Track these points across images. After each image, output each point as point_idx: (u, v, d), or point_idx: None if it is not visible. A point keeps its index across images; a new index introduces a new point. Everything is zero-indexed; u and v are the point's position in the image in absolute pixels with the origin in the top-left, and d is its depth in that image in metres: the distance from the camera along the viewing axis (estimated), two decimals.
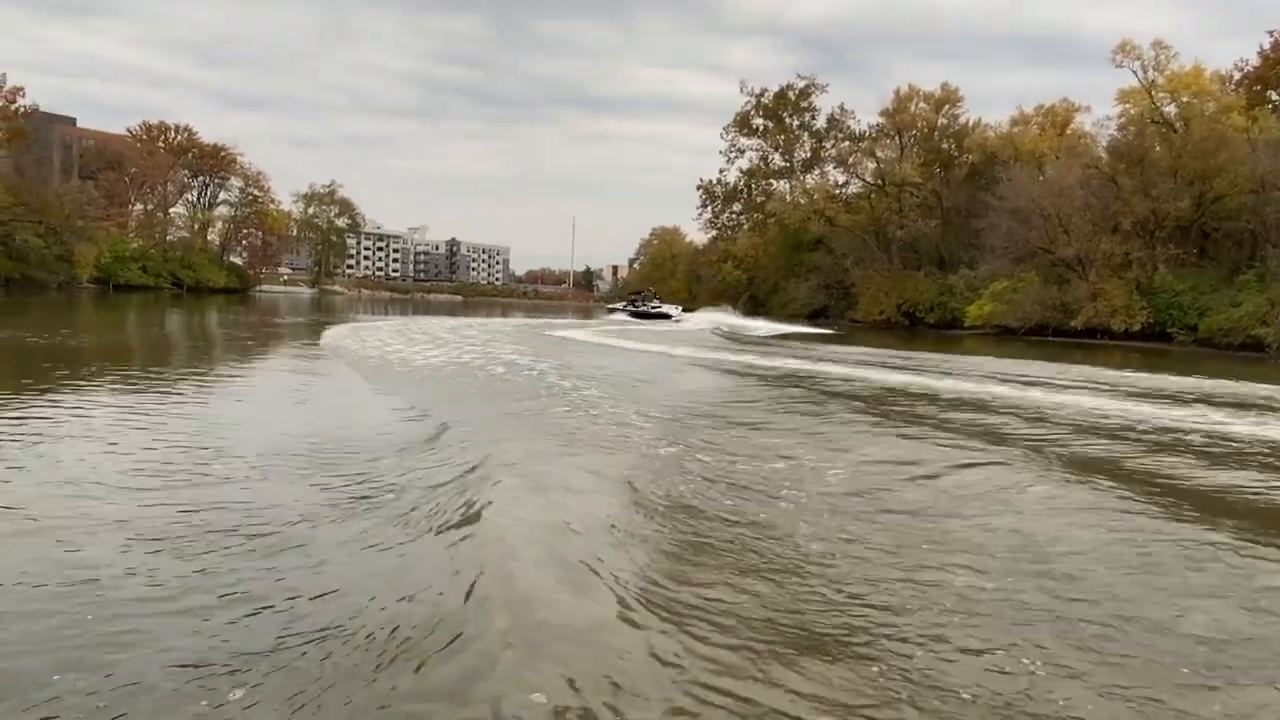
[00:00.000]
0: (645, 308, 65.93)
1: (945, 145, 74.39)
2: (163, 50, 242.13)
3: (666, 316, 62.97)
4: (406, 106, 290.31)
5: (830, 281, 77.88)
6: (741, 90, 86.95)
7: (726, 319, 62.88)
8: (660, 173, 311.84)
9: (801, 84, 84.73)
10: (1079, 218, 53.82)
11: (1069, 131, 68.09)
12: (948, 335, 56.44)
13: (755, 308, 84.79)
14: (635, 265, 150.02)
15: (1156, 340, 48.56)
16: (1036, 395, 16.76)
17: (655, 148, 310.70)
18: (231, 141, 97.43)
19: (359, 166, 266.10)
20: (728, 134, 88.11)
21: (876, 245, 75.22)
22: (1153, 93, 56.49)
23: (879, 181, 76.47)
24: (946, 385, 18.51)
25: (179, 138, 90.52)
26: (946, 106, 74.19)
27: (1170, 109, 56.69)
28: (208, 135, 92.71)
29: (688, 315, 67.12)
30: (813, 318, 73.71)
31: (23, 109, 67.06)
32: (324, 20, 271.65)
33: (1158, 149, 54.65)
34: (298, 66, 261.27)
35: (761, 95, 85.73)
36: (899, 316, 68.53)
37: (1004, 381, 19.29)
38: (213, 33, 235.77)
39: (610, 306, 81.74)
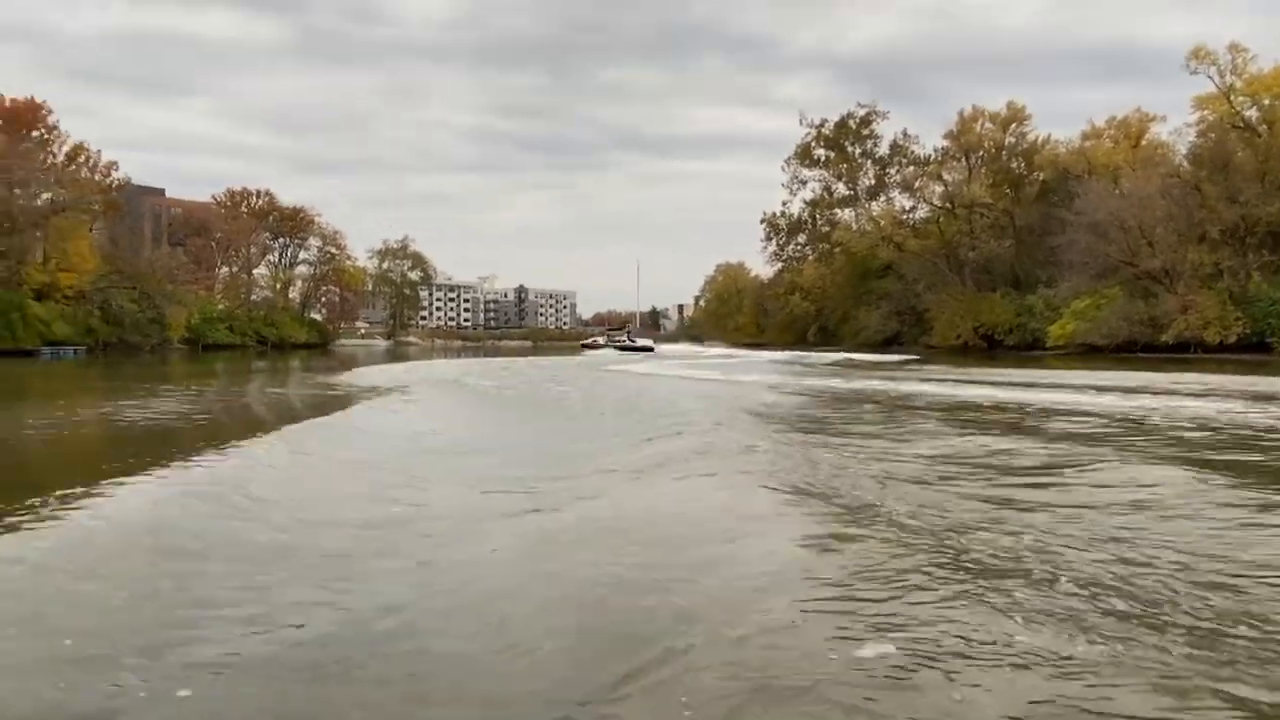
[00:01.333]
0: (628, 342, 79.73)
1: (1014, 164, 72.88)
2: (240, 122, 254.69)
3: (649, 349, 74.72)
4: (472, 161, 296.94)
5: (902, 308, 76.61)
6: (801, 122, 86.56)
7: (693, 349, 77.97)
8: (722, 209, 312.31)
9: (862, 112, 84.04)
10: (1162, 228, 52.00)
11: (1144, 143, 66.07)
12: (1030, 356, 54.59)
13: (825, 338, 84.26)
14: (701, 302, 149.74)
15: (1254, 351, 46.39)
16: None
17: (716, 185, 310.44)
18: (309, 203, 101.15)
19: (429, 221, 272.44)
20: (789, 166, 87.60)
21: (948, 268, 73.79)
22: (1232, 97, 54.40)
23: (948, 204, 75.27)
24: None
25: (260, 202, 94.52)
26: (1014, 125, 72.86)
27: (1251, 113, 54.54)
28: (286, 199, 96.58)
29: (664, 346, 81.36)
30: (886, 345, 72.28)
31: (116, 182, 70.91)
32: (388, 83, 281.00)
33: (1240, 154, 52.71)
34: (366, 129, 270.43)
35: (822, 125, 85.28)
36: (976, 339, 66.90)
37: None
38: (285, 102, 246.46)
39: (584, 344, 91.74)
